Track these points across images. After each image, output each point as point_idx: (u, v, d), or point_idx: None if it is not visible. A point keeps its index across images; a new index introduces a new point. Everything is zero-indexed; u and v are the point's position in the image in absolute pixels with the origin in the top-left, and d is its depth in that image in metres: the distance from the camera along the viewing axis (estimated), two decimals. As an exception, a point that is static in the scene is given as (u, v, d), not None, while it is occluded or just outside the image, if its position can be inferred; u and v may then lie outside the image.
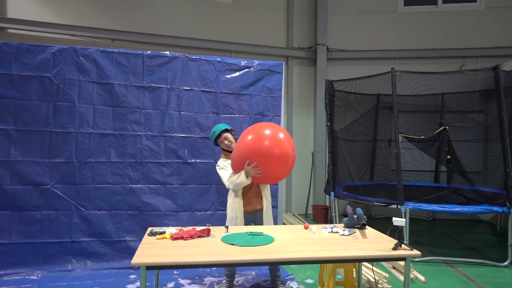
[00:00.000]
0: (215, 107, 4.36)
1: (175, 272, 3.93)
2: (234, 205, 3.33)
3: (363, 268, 3.93)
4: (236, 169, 3.25)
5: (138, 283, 3.64)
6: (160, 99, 4.21)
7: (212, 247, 2.47)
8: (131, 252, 3.99)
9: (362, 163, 6.35)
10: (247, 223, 3.36)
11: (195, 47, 6.69)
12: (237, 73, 4.44)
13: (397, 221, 2.58)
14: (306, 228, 3.04)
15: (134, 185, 4.12)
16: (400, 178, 4.61)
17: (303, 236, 2.78)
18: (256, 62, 4.50)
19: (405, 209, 4.49)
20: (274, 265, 3.46)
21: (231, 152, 3.46)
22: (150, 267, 2.20)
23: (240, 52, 6.92)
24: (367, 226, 3.02)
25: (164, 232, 2.77)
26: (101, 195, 4.03)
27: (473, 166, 5.76)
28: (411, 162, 6.31)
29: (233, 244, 2.52)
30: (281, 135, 3.15)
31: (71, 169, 3.97)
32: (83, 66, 4.01)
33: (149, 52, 4.21)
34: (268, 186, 3.48)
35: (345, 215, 3.83)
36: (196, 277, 3.81)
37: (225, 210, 4.25)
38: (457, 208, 4.46)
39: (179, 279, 3.77)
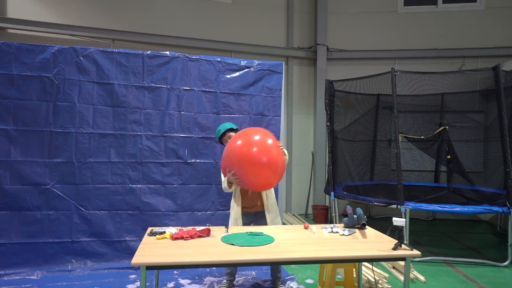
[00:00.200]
0: (215, 107, 4.36)
1: (175, 272, 3.93)
2: (234, 205, 3.36)
3: (363, 268, 3.93)
4: (223, 174, 3.30)
5: (138, 283, 3.64)
6: (160, 99, 4.21)
7: (212, 247, 2.47)
8: (131, 252, 3.99)
9: (362, 163, 6.35)
10: (248, 223, 3.36)
11: (195, 47, 6.69)
12: (237, 73, 4.44)
13: (397, 221, 2.58)
14: (306, 228, 3.04)
15: (134, 185, 4.12)
16: (400, 178, 4.61)
17: (303, 236, 2.78)
18: (256, 62, 4.50)
19: (405, 209, 4.49)
20: (274, 266, 3.46)
21: None
22: (150, 267, 2.20)
23: (240, 52, 6.92)
24: (367, 226, 3.02)
25: (164, 232, 2.77)
26: (101, 195, 4.03)
27: (473, 166, 5.76)
28: (411, 162, 6.31)
29: (233, 244, 2.52)
30: (263, 144, 3.01)
31: (71, 169, 3.97)
32: (83, 66, 4.01)
33: (149, 52, 4.21)
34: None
35: (345, 215, 3.83)
36: (196, 277, 3.81)
37: (225, 210, 4.29)
38: (457, 208, 4.46)
39: (179, 279, 3.77)
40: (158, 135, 4.20)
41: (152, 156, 4.17)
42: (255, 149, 2.96)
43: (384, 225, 6.30)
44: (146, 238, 2.66)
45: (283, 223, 5.96)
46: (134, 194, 4.11)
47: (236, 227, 3.06)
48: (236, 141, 3.07)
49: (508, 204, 4.35)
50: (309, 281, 3.84)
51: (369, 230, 3.01)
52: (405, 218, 4.39)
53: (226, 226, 2.94)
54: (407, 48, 7.33)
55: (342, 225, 3.11)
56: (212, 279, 3.78)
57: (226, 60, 4.44)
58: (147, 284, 3.49)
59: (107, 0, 6.39)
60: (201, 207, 4.28)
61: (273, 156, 3.00)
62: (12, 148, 3.83)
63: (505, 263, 4.43)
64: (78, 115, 3.99)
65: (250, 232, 2.83)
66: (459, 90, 6.01)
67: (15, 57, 3.84)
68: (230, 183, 3.20)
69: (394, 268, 4.23)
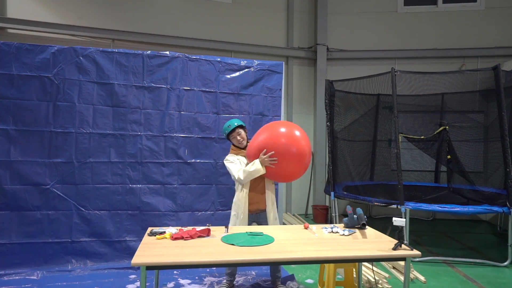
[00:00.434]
0: (215, 107, 4.36)
1: (175, 272, 3.93)
2: (240, 202, 3.32)
3: (363, 268, 3.93)
4: (252, 159, 3.28)
5: (138, 283, 3.64)
6: (160, 99, 4.21)
7: (212, 247, 2.47)
8: (131, 252, 3.99)
9: (362, 163, 6.35)
10: (250, 222, 3.36)
11: (195, 47, 6.69)
12: (237, 73, 4.44)
13: (397, 221, 2.58)
14: (306, 228, 3.04)
15: (134, 185, 4.12)
16: (400, 178, 4.61)
17: (303, 236, 2.78)
18: (256, 62, 4.50)
19: (405, 209, 4.49)
20: (274, 266, 3.46)
21: (241, 148, 3.47)
22: (150, 267, 2.20)
23: (240, 52, 6.92)
24: (367, 226, 3.02)
25: (164, 232, 2.77)
26: (101, 195, 4.03)
27: (473, 166, 5.76)
28: (411, 162, 6.31)
29: (233, 244, 2.52)
30: (300, 136, 3.26)
31: (71, 169, 3.97)
32: (83, 66, 4.01)
33: (149, 52, 4.21)
34: (273, 187, 3.47)
35: (345, 215, 3.83)
36: (196, 277, 3.81)
37: (225, 210, 4.28)
38: (457, 208, 4.46)
39: (179, 279, 3.77)
40: (158, 135, 4.20)
41: (152, 156, 4.17)
42: (304, 142, 3.23)
43: (384, 225, 6.30)
44: (146, 238, 2.66)
45: (283, 223, 5.96)
46: (134, 194, 4.11)
47: (236, 227, 3.06)
48: (282, 131, 3.22)
49: (508, 204, 4.35)
50: (309, 281, 3.84)
51: (369, 230, 3.01)
52: (405, 218, 4.39)
53: (226, 226, 2.94)
54: (407, 48, 7.33)
55: (342, 225, 3.11)
56: (212, 279, 3.78)
57: (226, 60, 4.44)
58: (147, 284, 3.49)
59: (107, 0, 6.39)
60: (201, 207, 4.28)
61: (310, 150, 3.35)
62: (12, 148, 3.83)
63: (505, 263, 4.43)
64: (78, 115, 3.99)
65: (250, 232, 2.83)
66: (459, 90, 6.01)
67: (15, 57, 3.84)
68: (255, 171, 3.18)
69: (394, 268, 4.23)
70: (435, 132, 5.37)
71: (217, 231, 2.87)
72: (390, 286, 3.69)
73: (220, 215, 4.29)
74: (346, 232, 2.86)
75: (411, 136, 5.49)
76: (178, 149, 4.24)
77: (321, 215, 6.74)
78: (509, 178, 4.38)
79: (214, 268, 3.95)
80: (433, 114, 6.52)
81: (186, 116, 4.27)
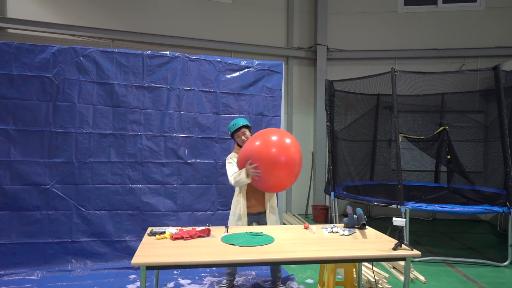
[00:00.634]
0: (215, 107, 4.36)
1: (175, 272, 3.93)
2: (238, 204, 3.33)
3: (363, 268, 3.93)
4: (240, 167, 3.26)
5: (138, 283, 3.64)
6: (160, 99, 4.21)
7: (212, 247, 2.47)
8: (131, 252, 3.99)
9: (362, 163, 6.35)
10: (250, 222, 3.35)
11: (195, 47, 6.69)
12: (237, 73, 4.44)
13: (397, 221, 2.58)
14: (306, 228, 3.04)
15: (134, 185, 4.12)
16: (400, 178, 4.61)
17: (303, 236, 2.78)
18: (256, 62, 4.50)
19: (405, 209, 4.49)
20: (274, 266, 3.46)
21: None
22: (150, 267, 2.20)
23: (240, 52, 6.92)
24: (367, 226, 3.02)
25: (164, 232, 2.77)
26: (101, 195, 4.03)
27: (473, 166, 5.76)
28: (411, 162, 6.31)
29: (233, 244, 2.52)
30: (289, 144, 3.09)
31: (71, 169, 3.97)
32: (83, 66, 4.01)
33: (149, 52, 4.20)
34: None
35: (345, 215, 3.83)
36: (196, 277, 3.81)
37: (225, 210, 4.28)
38: (457, 208, 4.46)
39: (179, 279, 3.77)
40: (158, 135, 4.20)
41: (152, 156, 4.17)
42: (291, 153, 3.05)
43: (384, 225, 6.30)
44: (146, 238, 2.66)
45: (283, 223, 5.96)
46: (134, 194, 4.11)
47: (236, 227, 3.06)
48: (269, 141, 3.06)
49: (508, 204, 4.35)
50: (309, 281, 3.84)
51: (369, 230, 3.01)
52: (405, 218, 4.39)
53: (226, 226, 2.94)
54: (407, 48, 7.33)
55: (342, 225, 3.11)
56: (212, 279, 3.78)
57: (226, 60, 4.44)
58: (147, 284, 3.49)
59: (107, 0, 6.39)
60: (201, 207, 4.28)
61: (300, 167, 3.18)
62: (12, 148, 3.83)
63: (505, 263, 4.43)
64: (78, 115, 3.99)
65: (250, 232, 2.83)
66: (459, 90, 6.01)
67: (15, 57, 3.84)
68: (241, 180, 3.16)
69: (394, 268, 4.23)
70: (435, 132, 5.37)
71: (217, 231, 2.87)
72: (390, 286, 3.69)
73: (220, 215, 4.29)
74: (346, 232, 2.86)
75: (411, 136, 5.49)
76: (178, 149, 4.24)
77: (321, 215, 6.74)
78: (509, 178, 4.38)
79: (214, 268, 3.95)
80: (433, 114, 6.53)
81: (186, 116, 4.27)
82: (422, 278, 3.92)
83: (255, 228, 3.01)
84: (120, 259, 4.02)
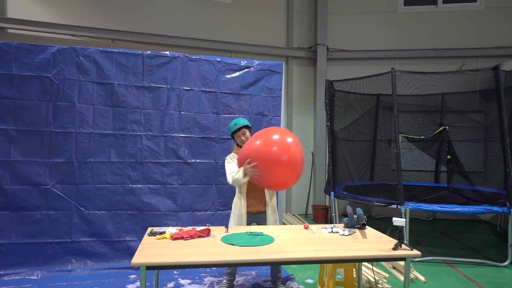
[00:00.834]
0: (215, 107, 4.36)
1: (175, 272, 3.93)
2: (238, 203, 3.34)
3: (363, 268, 3.93)
4: (239, 164, 3.26)
5: (138, 283, 3.64)
6: (160, 99, 4.21)
7: (212, 247, 2.47)
8: (131, 252, 3.99)
9: (362, 163, 6.35)
10: (250, 222, 3.35)
11: (195, 47, 6.69)
12: (237, 73, 4.44)
13: (397, 221, 2.58)
14: (306, 228, 3.04)
15: (134, 185, 4.12)
16: (400, 178, 4.61)
17: (303, 236, 2.78)
18: (256, 62, 4.50)
19: (405, 209, 4.49)
20: (274, 266, 3.46)
21: None
22: (150, 267, 2.20)
23: (240, 52, 6.92)
24: (367, 226, 3.02)
25: (164, 232, 2.77)
26: (101, 195, 4.03)
27: (473, 166, 5.76)
28: (411, 162, 6.31)
29: (233, 244, 2.52)
30: (291, 143, 3.09)
31: (71, 169, 3.97)
32: (83, 66, 4.01)
33: (149, 52, 4.20)
34: (274, 191, 3.47)
35: (345, 215, 3.83)
36: (196, 277, 3.81)
37: (225, 210, 4.28)
38: (457, 208, 4.46)
39: (179, 279, 3.77)
40: (158, 135, 4.20)
41: (152, 156, 4.17)
42: (293, 152, 3.03)
43: (384, 225, 6.30)
44: (146, 238, 2.66)
45: (283, 223, 5.96)
46: (134, 194, 4.11)
47: (236, 227, 3.06)
48: (270, 140, 3.06)
49: (508, 204, 4.35)
50: (309, 281, 3.84)
51: (369, 230, 3.01)
52: (405, 218, 4.39)
53: (226, 226, 2.94)
54: (407, 48, 7.33)
55: (342, 225, 3.11)
56: (212, 279, 3.78)
57: (226, 60, 4.44)
58: (147, 284, 3.49)
59: (107, 0, 6.39)
60: (201, 207, 4.27)
61: (302, 166, 3.16)
62: (12, 148, 3.83)
63: (505, 263, 4.43)
64: (78, 115, 3.99)
65: (250, 232, 2.83)
66: (459, 90, 6.00)
67: (15, 57, 3.84)
68: (238, 179, 3.14)
69: (394, 268, 4.23)
70: (435, 132, 5.37)
71: (217, 231, 2.87)
72: (390, 286, 3.69)
73: (220, 215, 4.29)
74: (346, 232, 2.86)
75: (411, 136, 5.49)
76: (178, 149, 4.24)
77: (321, 215, 6.74)
78: (509, 178, 4.38)
79: (214, 268, 3.95)
80: (433, 114, 6.53)
81: (186, 116, 4.27)
82: (422, 278, 3.92)
83: (255, 228, 3.01)
84: (120, 259, 4.02)
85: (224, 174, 4.26)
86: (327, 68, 7.33)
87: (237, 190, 3.40)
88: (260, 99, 4.48)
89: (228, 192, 4.28)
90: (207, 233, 2.76)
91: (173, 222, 4.15)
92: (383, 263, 4.33)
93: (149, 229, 2.87)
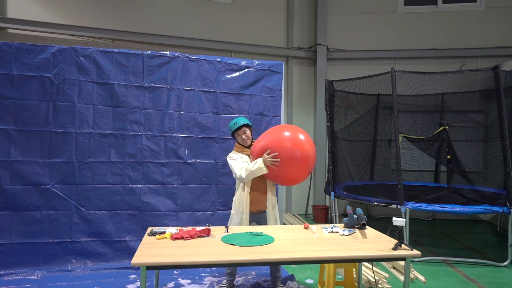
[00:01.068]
0: (215, 107, 4.36)
1: (175, 272, 3.93)
2: (240, 201, 3.31)
3: (363, 268, 3.93)
4: (255, 158, 3.27)
5: (138, 283, 3.64)
6: (160, 99, 4.21)
7: (212, 247, 2.47)
8: (131, 252, 3.99)
9: (362, 163, 6.35)
10: (250, 222, 3.35)
11: (195, 47, 6.69)
12: (237, 73, 4.44)
13: (397, 221, 2.58)
14: (306, 228, 3.04)
15: (134, 185, 4.12)
16: (400, 178, 4.61)
17: (303, 236, 2.78)
18: (256, 62, 4.50)
19: (405, 209, 4.49)
20: (274, 266, 3.46)
21: (245, 147, 3.45)
22: (150, 267, 2.20)
23: (240, 52, 6.92)
24: (367, 226, 3.02)
25: (164, 232, 2.77)
26: (101, 195, 4.03)
27: (473, 166, 5.76)
28: (411, 162, 6.31)
29: (233, 244, 2.52)
30: (304, 140, 3.24)
31: (71, 169, 3.97)
32: (83, 66, 4.01)
33: (149, 52, 4.21)
34: (274, 189, 3.47)
35: (345, 215, 3.83)
36: (196, 277, 3.81)
37: (225, 210, 4.28)
38: (457, 208, 4.46)
39: (179, 279, 3.77)
40: (158, 135, 4.20)
41: (152, 156, 4.17)
42: (308, 147, 3.20)
43: (384, 225, 6.30)
44: (146, 238, 2.66)
45: (283, 223, 5.96)
46: (134, 194, 4.11)
47: (236, 227, 3.06)
48: (297, 132, 3.24)
49: (508, 204, 4.35)
50: (309, 281, 3.84)
51: (369, 230, 3.01)
52: (405, 218, 4.39)
53: (226, 226, 2.94)
54: (407, 48, 7.33)
55: (342, 225, 3.11)
56: (212, 279, 3.78)
57: (226, 60, 4.44)
58: (147, 284, 3.49)
59: (107, 0, 6.39)
60: (201, 207, 4.28)
61: (313, 162, 3.32)
62: (12, 148, 3.83)
63: (505, 263, 4.43)
64: (78, 115, 3.99)
65: (250, 232, 2.83)
66: (459, 90, 6.01)
67: (15, 57, 3.84)
68: (257, 170, 3.16)
69: (394, 268, 4.23)
70: (435, 132, 5.37)
71: (217, 231, 2.87)
72: (390, 286, 3.69)
73: (220, 215, 4.29)
74: (346, 232, 2.86)
75: (411, 136, 5.50)
76: (178, 149, 4.24)
77: (321, 215, 6.74)
78: (509, 178, 4.38)
79: (214, 268, 3.95)
80: (433, 114, 6.53)
81: (186, 116, 4.27)
82: (422, 278, 3.92)
83: (255, 228, 3.01)
84: (120, 259, 4.02)
85: (225, 174, 4.28)
86: (327, 68, 7.33)
87: (238, 189, 3.39)
88: (260, 99, 4.48)
89: (228, 192, 4.28)
90: (207, 233, 2.76)
91: (173, 222, 4.15)
92: (383, 263, 4.33)
93: (149, 229, 2.87)
